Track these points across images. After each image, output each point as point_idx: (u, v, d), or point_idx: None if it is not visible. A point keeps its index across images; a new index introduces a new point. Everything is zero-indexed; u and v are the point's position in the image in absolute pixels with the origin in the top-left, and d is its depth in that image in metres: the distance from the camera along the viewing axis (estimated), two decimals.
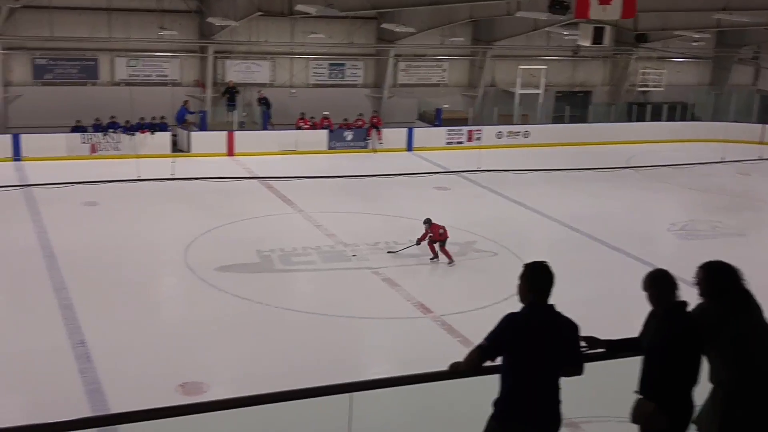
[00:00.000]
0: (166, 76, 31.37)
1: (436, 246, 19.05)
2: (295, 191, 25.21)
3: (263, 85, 32.75)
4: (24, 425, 5.28)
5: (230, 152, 29.90)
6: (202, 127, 30.43)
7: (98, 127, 28.48)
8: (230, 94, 31.72)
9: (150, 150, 28.07)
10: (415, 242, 19.20)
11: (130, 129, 28.74)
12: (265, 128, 31.64)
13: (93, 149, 28.31)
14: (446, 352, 14.51)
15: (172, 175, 25.35)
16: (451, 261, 19.09)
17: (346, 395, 5.59)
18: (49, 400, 12.24)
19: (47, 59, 29.64)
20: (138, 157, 27.11)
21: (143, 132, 28.86)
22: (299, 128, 31.44)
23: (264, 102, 32.02)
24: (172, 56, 31.40)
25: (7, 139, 27.31)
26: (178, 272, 18.21)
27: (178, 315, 16.51)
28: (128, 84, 30.61)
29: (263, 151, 30.03)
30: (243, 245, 19.88)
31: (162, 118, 29.43)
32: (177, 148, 29.76)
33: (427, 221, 19.13)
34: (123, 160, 27.82)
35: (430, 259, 19.14)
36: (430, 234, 19.01)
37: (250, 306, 16.38)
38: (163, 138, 29.24)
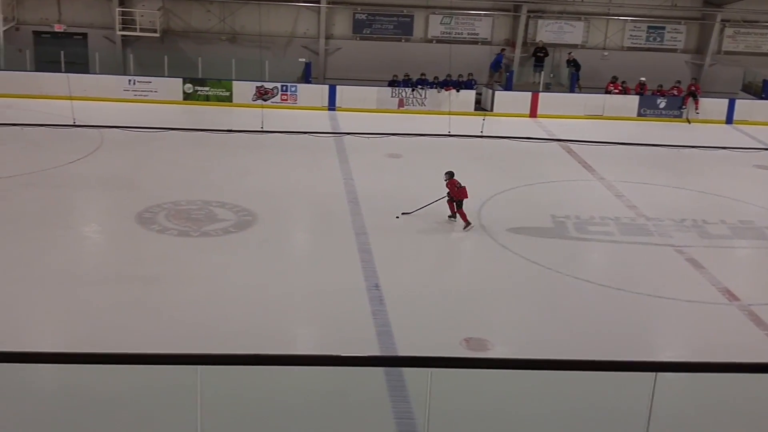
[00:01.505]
0: (477, 34, 31.51)
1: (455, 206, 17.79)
2: (597, 157, 24.22)
3: (574, 46, 31.74)
4: (319, 355, 5.44)
5: (533, 113, 29.42)
6: (507, 86, 30.21)
7: (407, 83, 29.36)
8: (539, 54, 31.15)
9: (453, 107, 28.40)
10: (433, 201, 18.04)
11: (438, 85, 29.30)
12: (572, 91, 30.69)
13: (400, 103, 29.26)
14: (750, 344, 13.32)
15: (481, 133, 25.48)
16: (467, 224, 17.67)
17: (651, 374, 5.06)
18: (342, 336, 12.84)
19: (367, 14, 30.99)
20: (441, 113, 27.60)
21: (449, 89, 29.27)
22: (608, 92, 30.14)
23: (573, 63, 31.03)
24: (485, 14, 31.43)
25: (325, 89, 29.03)
26: (461, 229, 18.23)
27: (467, 271, 16.55)
28: (439, 41, 31.16)
29: (568, 114, 29.19)
30: (538, 208, 19.46)
31: (470, 75, 29.62)
32: (480, 106, 29.88)
33: (449, 174, 17.96)
34: (427, 115, 28.51)
35: (448, 216, 17.98)
36: (448, 190, 17.87)
37: (540, 271, 15.99)
38: (468, 96, 29.46)
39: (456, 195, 17.87)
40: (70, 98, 25.13)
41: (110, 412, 10.30)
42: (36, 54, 29.39)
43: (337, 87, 29.02)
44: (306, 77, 29.86)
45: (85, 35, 30.20)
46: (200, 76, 28.82)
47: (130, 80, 28.44)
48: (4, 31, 28.84)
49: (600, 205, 20.01)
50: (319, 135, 24.91)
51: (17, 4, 29.86)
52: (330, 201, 19.22)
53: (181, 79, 28.53)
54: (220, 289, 14.40)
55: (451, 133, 25.34)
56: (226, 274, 15.12)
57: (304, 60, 30.19)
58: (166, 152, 22.54)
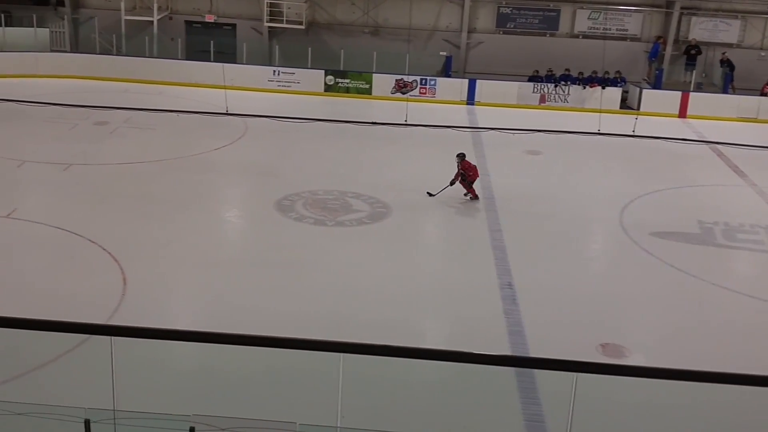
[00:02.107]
0: (626, 30, 30.45)
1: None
2: (749, 162, 22.92)
3: (729, 45, 30.16)
4: (450, 350, 5.32)
5: (682, 114, 28.17)
6: (656, 85, 29.04)
7: (550, 78, 28.72)
8: (691, 52, 29.78)
9: (598, 104, 27.58)
10: (449, 183, 18.37)
11: (582, 82, 28.52)
12: (725, 91, 29.19)
13: (542, 99, 28.66)
14: None
15: (633, 132, 24.67)
16: (474, 197, 18.57)
17: None
18: (472, 333, 12.63)
19: (511, 8, 30.52)
20: (584, 110, 26.86)
21: (593, 86, 28.43)
22: (764, 95, 28.47)
23: (727, 63, 29.50)
24: (636, 10, 30.33)
25: (464, 83, 28.80)
26: (611, 231, 17.61)
27: (605, 274, 15.98)
28: (586, 37, 30.33)
29: (719, 115, 27.79)
30: (684, 213, 18.58)
31: (617, 73, 28.66)
32: (626, 105, 28.87)
33: (460, 156, 18.63)
34: (569, 112, 27.82)
35: (464, 194, 18.58)
36: (462, 171, 18.43)
37: (683, 278, 15.25)
38: (614, 94, 28.51)
39: (470, 177, 18.54)
40: (224, 87, 25.99)
41: (248, 392, 10.54)
42: (187, 43, 30.59)
43: (477, 81, 28.74)
44: (446, 71, 29.73)
45: (233, 26, 31.20)
46: (342, 68, 29.20)
47: (274, 71, 29.16)
48: (158, 21, 30.16)
49: (751, 212, 18.91)
50: (459, 129, 24.71)
51: None
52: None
53: (323, 71, 29.01)
54: (353, 278, 14.49)
55: (601, 132, 24.55)
56: (359, 264, 15.20)
57: (444, 54, 30.08)
58: (307, 142, 22.94)
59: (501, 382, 11.05)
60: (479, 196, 18.72)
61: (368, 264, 15.24)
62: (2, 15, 29.35)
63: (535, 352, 12.03)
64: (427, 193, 18.67)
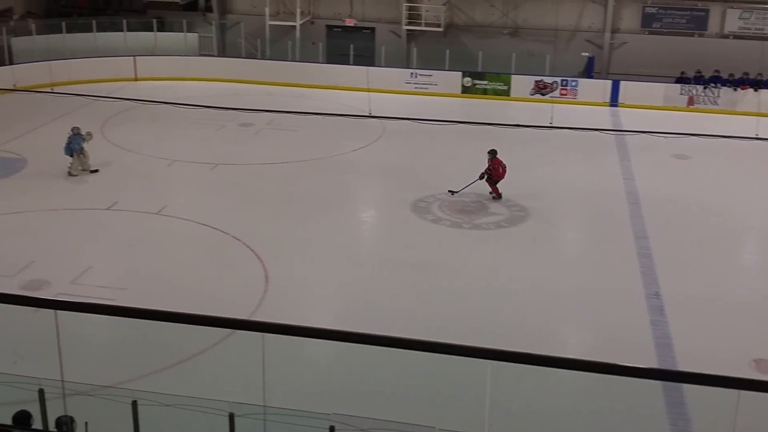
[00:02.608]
0: None
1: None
2: None
3: None
4: (593, 361, 5.07)
5: None
6: None
7: (699, 80, 27.44)
8: None
9: (753, 107, 26.11)
10: (478, 177, 18.09)
11: (734, 84, 27.10)
12: None
13: (690, 101, 27.42)
14: None
15: None
16: (498, 197, 18.11)
17: None
18: (617, 343, 12.15)
19: (657, 8, 29.37)
20: (736, 113, 25.53)
21: (745, 88, 26.96)
22: None
23: None
24: None
25: (608, 84, 27.94)
26: (757, 242, 16.58)
27: (760, 286, 15.04)
28: (736, 37, 28.80)
29: None
30: None
31: None
32: None
33: (492, 153, 18.27)
34: (720, 115, 26.50)
35: (489, 193, 18.22)
36: (491, 169, 18.09)
37: None
38: (766, 96, 26.94)
39: (496, 176, 18.14)
40: (367, 90, 26.26)
41: (388, 393, 10.51)
42: (327, 47, 31.13)
43: (621, 82, 27.82)
44: (588, 72, 28.93)
45: (372, 29, 31.50)
46: (479, 69, 28.94)
47: (412, 73, 29.21)
48: (301, 25, 30.84)
49: None
50: (600, 132, 23.97)
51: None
52: (608, 201, 18.39)
53: (460, 73, 28.83)
54: (490, 282, 14.26)
55: (759, 136, 23.19)
56: (496, 268, 14.95)
57: (587, 54, 29.28)
58: (443, 144, 22.83)
59: (646, 396, 10.56)
60: (502, 195, 18.25)
61: (506, 268, 14.97)
62: (155, 21, 30.79)
63: (683, 366, 11.44)
64: (449, 191, 18.35)
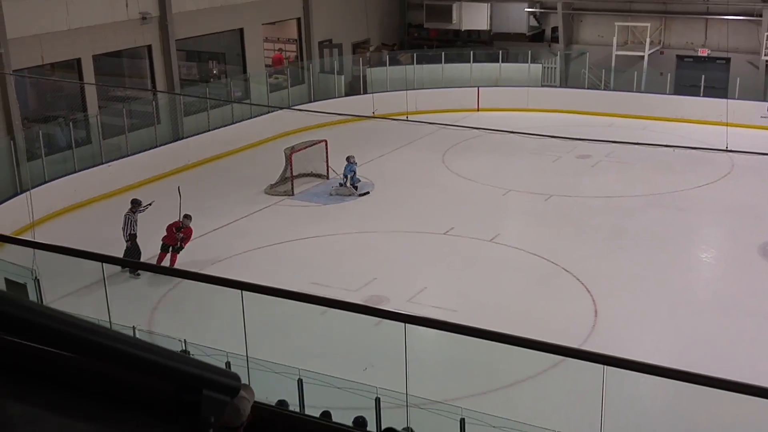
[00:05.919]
0: None
1: None
2: None
3: None
4: None
5: None
6: None
7: None
8: None
9: None
10: None
11: None
12: None
13: None
14: None
15: None
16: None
17: None
18: None
19: None
20: None
21: None
22: None
23: None
24: None
25: None
26: None
27: None
28: None
29: None
30: None
31: None
32: None
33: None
34: None
35: None
36: None
37: None
38: None
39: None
40: (725, 124, 24.75)
41: None
42: (676, 77, 29.89)
43: None
44: None
45: (727, 60, 29.69)
46: None
47: None
48: (649, 55, 29.97)
49: None
50: None
51: (665, 29, 30.78)
52: None
53: None
54: None
55: None
56: None
57: None
58: None
59: None
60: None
61: None
62: (501, 52, 31.77)
63: None
64: None
